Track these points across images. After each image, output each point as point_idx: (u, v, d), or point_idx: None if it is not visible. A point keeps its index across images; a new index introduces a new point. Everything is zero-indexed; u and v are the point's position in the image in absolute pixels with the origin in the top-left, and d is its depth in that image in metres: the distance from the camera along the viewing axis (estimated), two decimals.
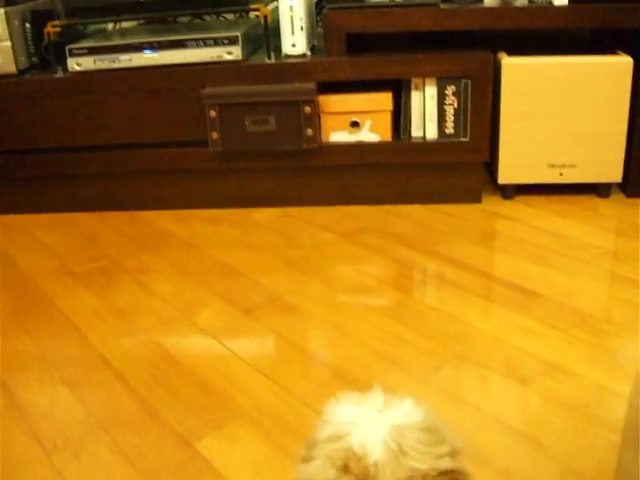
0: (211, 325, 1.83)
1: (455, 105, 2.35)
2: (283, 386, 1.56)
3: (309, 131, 2.36)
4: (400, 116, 2.41)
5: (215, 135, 2.41)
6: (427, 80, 2.34)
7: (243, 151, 2.44)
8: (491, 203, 2.45)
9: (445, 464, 0.74)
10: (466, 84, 2.31)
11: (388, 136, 2.41)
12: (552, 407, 1.42)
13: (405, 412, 0.78)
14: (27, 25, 2.53)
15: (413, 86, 2.36)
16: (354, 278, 2.01)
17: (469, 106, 2.34)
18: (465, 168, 2.42)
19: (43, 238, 2.48)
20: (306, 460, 0.79)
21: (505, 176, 2.42)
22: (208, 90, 2.37)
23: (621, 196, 2.44)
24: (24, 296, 2.06)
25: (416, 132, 2.41)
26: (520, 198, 2.46)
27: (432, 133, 2.40)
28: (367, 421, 0.76)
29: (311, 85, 2.33)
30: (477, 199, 2.46)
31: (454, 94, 2.34)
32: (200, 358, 1.69)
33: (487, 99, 2.33)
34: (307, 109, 2.34)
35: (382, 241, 2.22)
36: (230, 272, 2.10)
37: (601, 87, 2.27)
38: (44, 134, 2.54)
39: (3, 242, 2.46)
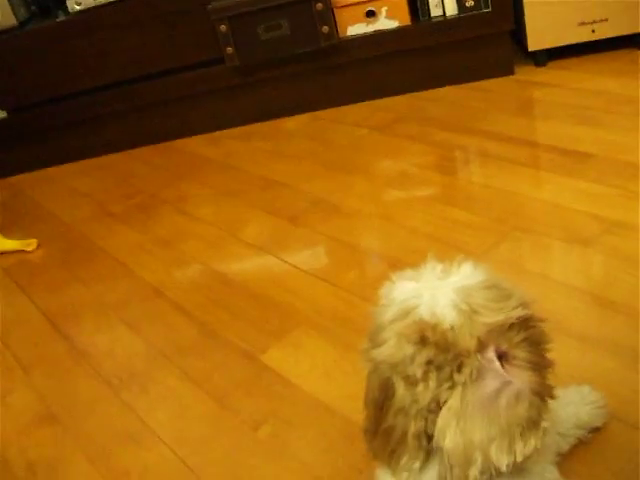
0: (258, 238, 1.79)
1: None
2: (340, 286, 1.52)
3: (325, 28, 2.27)
4: None
5: (230, 50, 2.33)
6: None
7: (261, 61, 2.35)
8: (524, 73, 2.34)
9: (519, 313, 0.71)
10: None
11: (407, 20, 2.30)
12: (620, 264, 1.36)
13: (467, 274, 0.74)
14: None
15: None
16: (396, 169, 1.95)
17: None
18: (492, 40, 2.31)
19: (77, 186, 2.45)
20: (374, 346, 0.75)
21: (535, 42, 2.30)
22: (214, 4, 2.28)
23: None
24: (69, 245, 2.05)
25: (435, 11, 2.30)
26: (553, 64, 2.34)
27: (452, 9, 2.28)
28: (431, 290, 0.72)
29: None
30: (509, 71, 2.35)
31: None
32: (252, 272, 1.66)
33: None
34: (319, 5, 2.24)
35: (418, 128, 2.14)
36: (269, 184, 2.05)
37: None
38: (58, 82, 2.48)
39: (40, 197, 2.44)
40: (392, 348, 0.72)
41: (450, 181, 1.82)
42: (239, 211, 1.95)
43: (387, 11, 2.28)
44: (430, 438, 0.73)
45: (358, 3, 2.28)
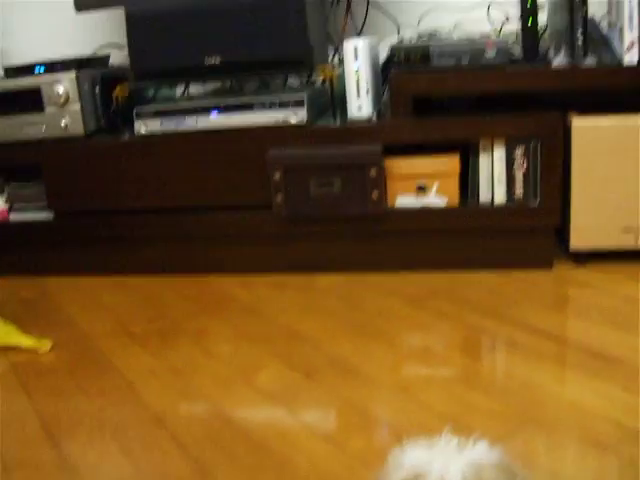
0: (270, 387, 1.75)
1: (524, 168, 2.28)
2: (344, 450, 1.46)
3: (375, 194, 2.31)
4: (468, 179, 2.34)
5: (280, 198, 2.37)
6: (495, 141, 2.28)
7: (307, 215, 2.39)
8: (563, 269, 2.34)
9: None
10: (535, 146, 2.24)
11: (455, 200, 2.34)
12: (636, 475, 1.30)
13: (481, 453, 0.72)
14: (97, 88, 2.56)
15: (481, 148, 2.30)
16: (420, 343, 1.93)
17: (539, 168, 2.26)
18: (535, 233, 2.33)
19: (104, 299, 2.46)
20: None
21: (577, 241, 2.32)
22: (273, 152, 2.34)
23: None
24: (81, 355, 2.03)
25: (484, 196, 2.34)
26: (593, 266, 2.35)
27: (501, 197, 2.32)
28: (445, 459, 0.71)
29: (377, 147, 2.29)
30: (548, 265, 2.36)
31: (523, 156, 2.27)
32: (257, 420, 1.62)
33: (557, 161, 2.25)
34: (373, 172, 2.29)
35: (449, 306, 2.13)
36: (291, 335, 2.03)
37: None
38: (110, 196, 2.55)
39: (65, 302, 2.45)
40: None
41: (473, 364, 1.79)
42: (256, 356, 1.93)
43: (438, 188, 2.33)
44: None
45: (411, 176, 2.33)
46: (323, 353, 1.91)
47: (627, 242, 2.28)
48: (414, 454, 0.74)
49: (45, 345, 2.07)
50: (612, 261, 2.34)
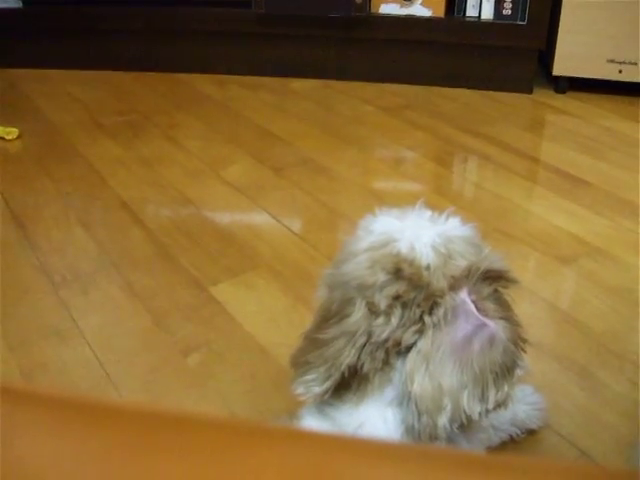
0: (238, 180, 1.74)
1: None
2: (309, 241, 1.47)
3: None
4: None
5: None
6: None
7: (287, 15, 2.30)
8: (542, 95, 2.30)
9: (495, 264, 0.70)
10: None
11: (441, 12, 2.26)
12: (593, 288, 1.33)
13: (454, 226, 0.73)
14: None
15: None
16: (393, 149, 1.91)
17: None
18: (519, 54, 2.27)
19: (74, 92, 2.38)
20: (342, 269, 0.71)
21: (560, 67, 2.26)
22: None
23: None
24: (49, 144, 1.98)
25: (471, 10, 2.26)
26: (573, 93, 2.31)
27: (488, 13, 2.24)
28: (416, 228, 0.70)
29: None
30: (528, 89, 2.32)
31: None
32: (223, 209, 1.61)
33: None
34: None
35: (425, 118, 2.10)
36: (263, 134, 2.00)
37: None
38: None
39: (34, 94, 2.37)
40: (364, 271, 0.69)
41: (444, 173, 1.79)
42: (227, 151, 1.90)
43: None
44: (366, 377, 0.70)
45: None
46: (294, 152, 1.89)
47: (610, 73, 2.23)
48: (386, 221, 0.73)
49: (12, 133, 2.00)
50: (592, 92, 2.29)
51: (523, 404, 0.97)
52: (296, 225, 1.54)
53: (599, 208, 1.61)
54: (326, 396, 0.71)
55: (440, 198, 1.65)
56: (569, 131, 2.04)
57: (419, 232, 0.70)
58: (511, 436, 0.96)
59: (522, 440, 0.97)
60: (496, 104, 2.23)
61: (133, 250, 1.46)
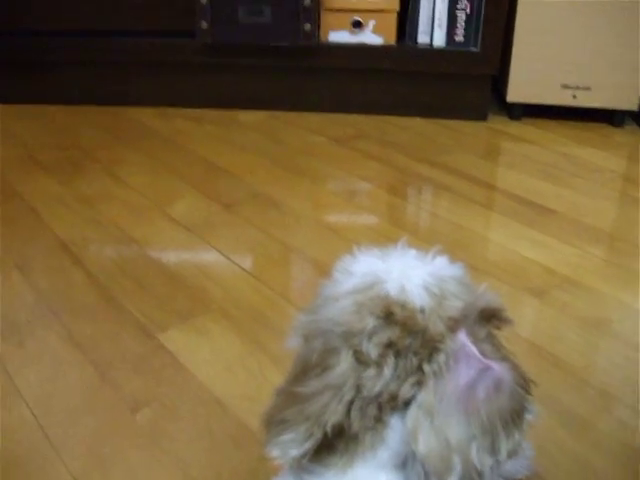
0: (186, 216, 1.64)
1: (467, 10, 2.14)
2: (263, 280, 1.37)
3: (307, 26, 2.15)
4: (407, 18, 2.20)
5: (204, 25, 2.19)
6: None
7: (234, 45, 2.22)
8: (497, 122, 2.26)
9: (492, 303, 0.63)
10: None
11: (392, 39, 2.20)
12: (568, 321, 1.25)
13: (444, 265, 0.66)
14: None
15: None
16: (346, 180, 1.83)
17: (482, 13, 2.13)
18: (472, 81, 2.22)
19: (11, 127, 2.25)
20: (321, 316, 0.62)
21: (514, 94, 2.22)
22: None
23: (635, 127, 2.25)
24: None
25: (423, 37, 2.20)
26: (528, 120, 2.26)
27: (440, 40, 2.19)
28: (403, 269, 0.63)
29: None
30: (482, 116, 2.27)
31: None
32: (171, 248, 1.51)
33: (503, 7, 2.12)
34: (307, 1, 2.12)
35: (378, 148, 2.03)
36: (211, 168, 1.91)
37: (625, 7, 2.06)
38: (15, 14, 2.30)
39: None
40: (350, 316, 0.60)
41: (400, 204, 1.71)
42: (173, 186, 1.80)
43: (375, 25, 2.18)
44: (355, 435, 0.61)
45: (347, 10, 2.17)
46: (243, 186, 1.80)
47: (564, 99, 2.20)
48: (368, 261, 0.66)
49: None
50: (547, 118, 2.25)
51: None
52: (248, 263, 1.44)
53: (566, 236, 1.55)
54: (304, 460, 0.62)
55: (397, 230, 1.57)
56: (527, 158, 1.98)
57: (408, 272, 0.62)
58: None
59: None
60: (450, 132, 2.17)
61: (74, 296, 1.35)
